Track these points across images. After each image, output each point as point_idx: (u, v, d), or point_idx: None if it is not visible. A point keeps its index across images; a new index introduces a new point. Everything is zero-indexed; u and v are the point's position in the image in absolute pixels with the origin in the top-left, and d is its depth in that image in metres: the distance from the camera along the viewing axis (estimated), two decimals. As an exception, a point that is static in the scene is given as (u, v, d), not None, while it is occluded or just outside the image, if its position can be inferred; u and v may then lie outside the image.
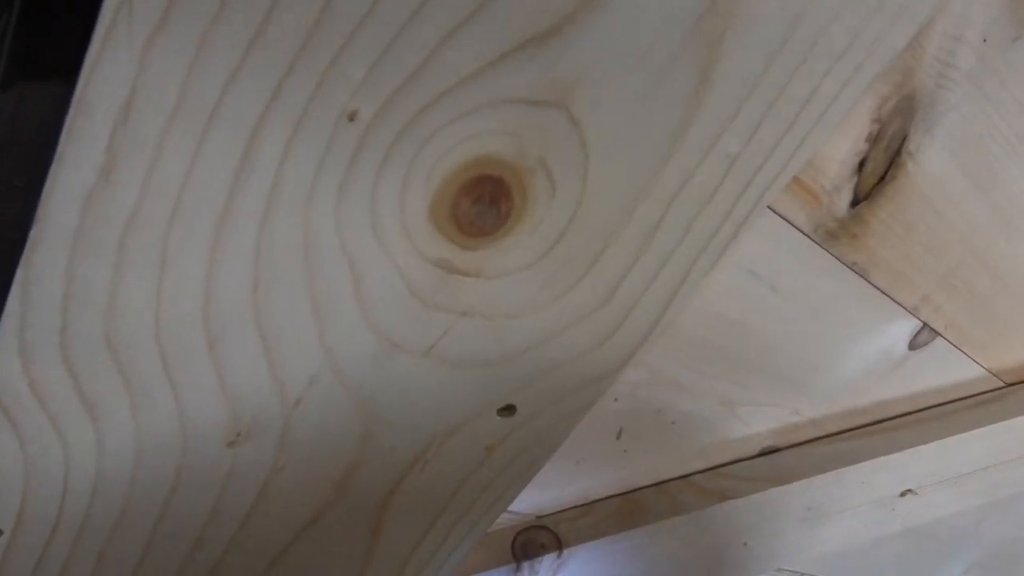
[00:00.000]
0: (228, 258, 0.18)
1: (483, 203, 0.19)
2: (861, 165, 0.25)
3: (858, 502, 0.37)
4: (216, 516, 0.23)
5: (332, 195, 0.17)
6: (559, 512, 0.33)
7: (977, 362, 0.36)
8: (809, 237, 0.27)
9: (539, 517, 0.33)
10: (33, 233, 0.16)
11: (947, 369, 0.36)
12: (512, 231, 0.20)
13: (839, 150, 0.24)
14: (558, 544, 0.32)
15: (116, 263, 0.17)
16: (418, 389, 0.22)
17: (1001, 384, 0.39)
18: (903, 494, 0.38)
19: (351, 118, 0.16)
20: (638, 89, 0.18)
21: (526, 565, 0.31)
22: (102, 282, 0.17)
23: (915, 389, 0.36)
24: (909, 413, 0.37)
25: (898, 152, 0.25)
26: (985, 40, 0.23)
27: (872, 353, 0.33)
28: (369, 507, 0.25)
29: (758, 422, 0.34)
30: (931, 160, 0.26)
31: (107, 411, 0.19)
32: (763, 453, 0.36)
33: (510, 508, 0.31)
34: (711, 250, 0.22)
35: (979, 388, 0.38)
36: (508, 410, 0.24)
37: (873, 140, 0.24)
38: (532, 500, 0.33)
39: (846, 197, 0.26)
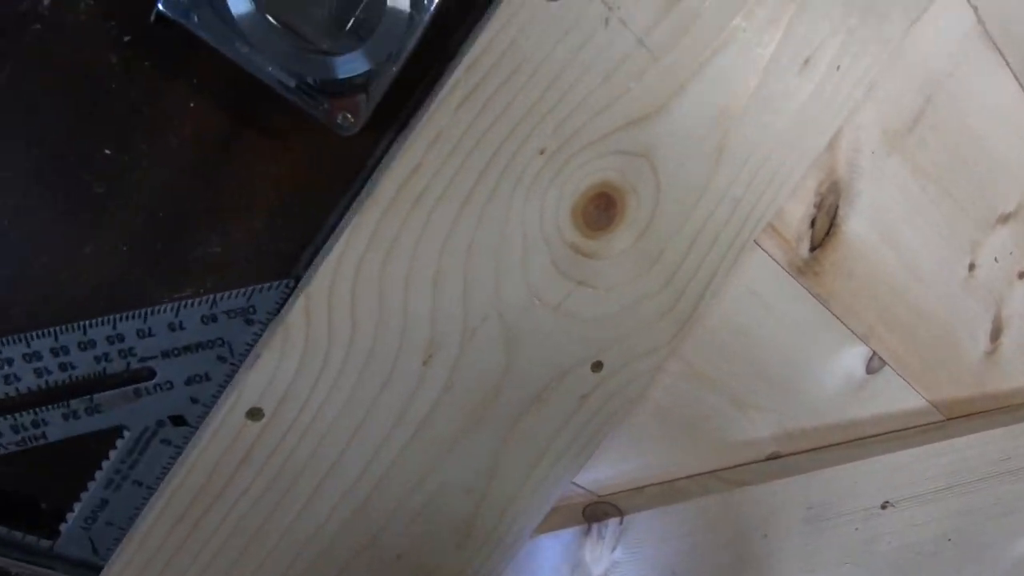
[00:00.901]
0: (462, 229, 0.30)
1: (601, 209, 0.32)
2: (813, 223, 0.40)
3: (849, 508, 0.46)
4: (401, 421, 0.33)
5: (523, 194, 0.31)
6: (615, 493, 0.42)
7: (919, 392, 0.48)
8: (786, 270, 0.40)
9: (600, 496, 0.42)
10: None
11: (898, 396, 0.48)
12: (615, 229, 0.33)
13: (798, 211, 0.39)
14: (619, 513, 0.40)
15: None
16: (546, 335, 0.34)
17: (942, 417, 0.50)
18: (884, 506, 0.47)
19: (541, 152, 0.31)
20: (687, 152, 0.33)
21: (595, 527, 0.39)
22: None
23: (877, 411, 0.47)
24: (879, 434, 0.48)
25: (834, 216, 0.40)
26: (873, 152, 0.40)
27: (840, 371, 0.45)
28: (500, 433, 0.35)
29: (764, 426, 0.44)
30: (855, 224, 0.41)
31: (362, 325, 0.31)
32: (770, 458, 0.46)
33: (577, 482, 0.40)
34: (726, 261, 0.36)
35: (926, 419, 0.50)
36: (598, 366, 0.36)
37: (818, 206, 0.40)
38: (592, 479, 0.41)
39: (806, 244, 0.40)
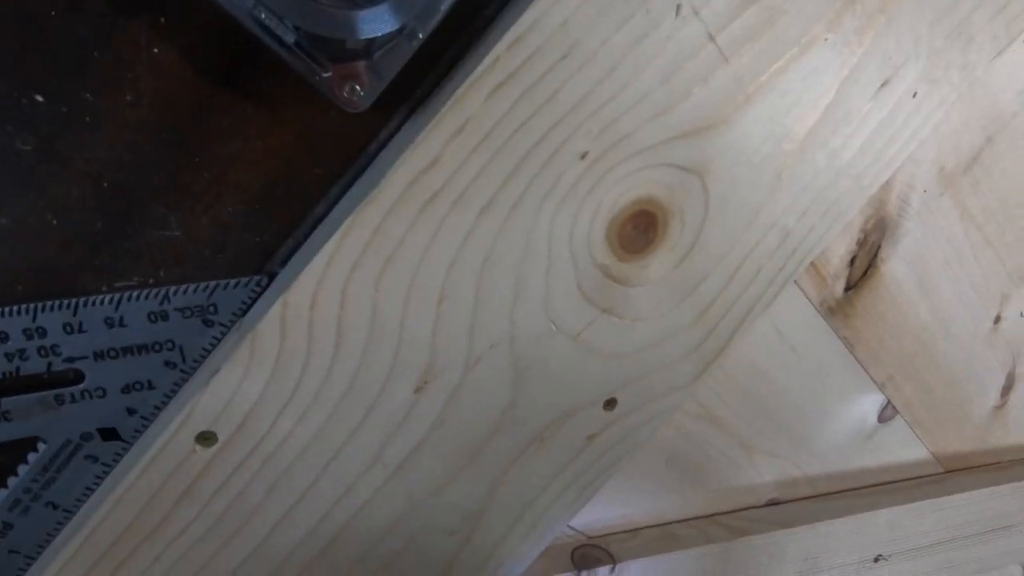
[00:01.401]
0: (479, 239, 0.25)
1: (639, 230, 0.28)
2: (852, 261, 0.36)
3: (843, 560, 0.44)
4: (379, 460, 0.28)
5: (555, 204, 0.26)
6: (609, 535, 0.38)
7: (924, 444, 0.46)
8: (817, 309, 0.37)
9: (591, 538, 0.38)
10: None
11: (904, 446, 0.45)
12: (652, 253, 0.29)
13: (839, 248, 0.36)
14: (612, 560, 0.36)
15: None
16: (559, 368, 0.29)
17: (941, 470, 0.48)
18: (876, 559, 0.45)
19: (582, 156, 0.26)
20: (742, 175, 0.29)
21: (585, 574, 0.35)
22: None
23: (883, 461, 0.45)
24: (879, 484, 0.46)
25: (875, 256, 0.37)
26: (925, 191, 0.36)
27: (851, 420, 0.42)
28: (492, 475, 0.30)
29: (768, 472, 0.41)
30: (895, 267, 0.38)
31: (348, 342, 0.25)
32: (769, 504, 0.42)
33: (569, 524, 0.36)
34: (765, 297, 0.32)
35: (925, 471, 0.47)
36: (611, 404, 0.31)
37: (860, 245, 0.36)
38: (584, 521, 0.37)
39: (842, 283, 0.37)
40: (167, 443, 0.25)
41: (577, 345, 0.29)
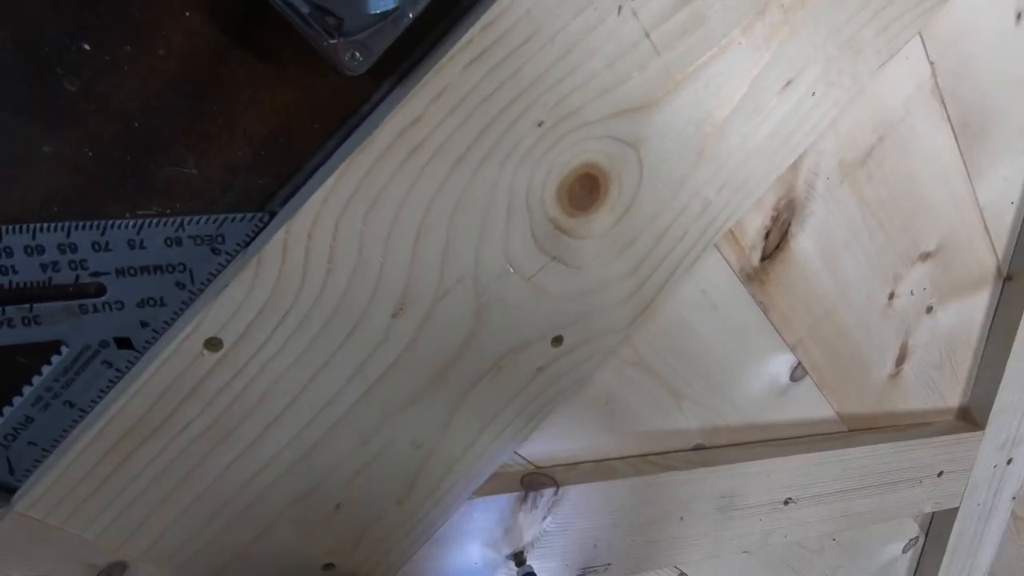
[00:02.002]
0: (451, 187, 0.31)
1: (585, 190, 0.34)
2: (767, 235, 0.43)
3: (757, 501, 0.50)
4: (359, 373, 0.33)
5: (515, 162, 0.31)
6: (554, 465, 0.44)
7: (831, 404, 0.53)
8: (736, 275, 0.43)
9: (538, 467, 0.43)
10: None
11: (813, 405, 0.52)
12: (595, 212, 0.34)
13: (755, 222, 0.42)
14: (555, 484, 0.42)
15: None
16: (515, 305, 0.35)
17: (845, 429, 0.55)
18: (786, 502, 0.52)
19: (539, 124, 0.31)
20: (670, 150, 0.35)
21: (531, 495, 0.41)
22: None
23: (794, 417, 0.52)
24: (792, 438, 0.52)
25: (786, 232, 0.43)
26: (828, 178, 0.43)
27: (767, 376, 0.49)
28: (455, 395, 0.35)
29: (694, 418, 0.47)
30: (803, 242, 0.44)
31: (338, 268, 0.30)
32: (695, 448, 0.49)
33: (518, 452, 0.42)
34: (689, 257, 0.38)
35: (831, 429, 0.55)
36: (558, 340, 0.37)
37: (773, 220, 0.43)
38: (532, 452, 0.43)
39: (758, 254, 0.43)
40: (180, 346, 0.29)
41: (530, 286, 0.35)
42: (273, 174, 0.32)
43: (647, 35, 0.31)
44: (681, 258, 0.38)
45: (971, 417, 0.61)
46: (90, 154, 0.29)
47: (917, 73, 0.42)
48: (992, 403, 0.58)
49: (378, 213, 0.30)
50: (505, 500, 0.40)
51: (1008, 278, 0.55)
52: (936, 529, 0.66)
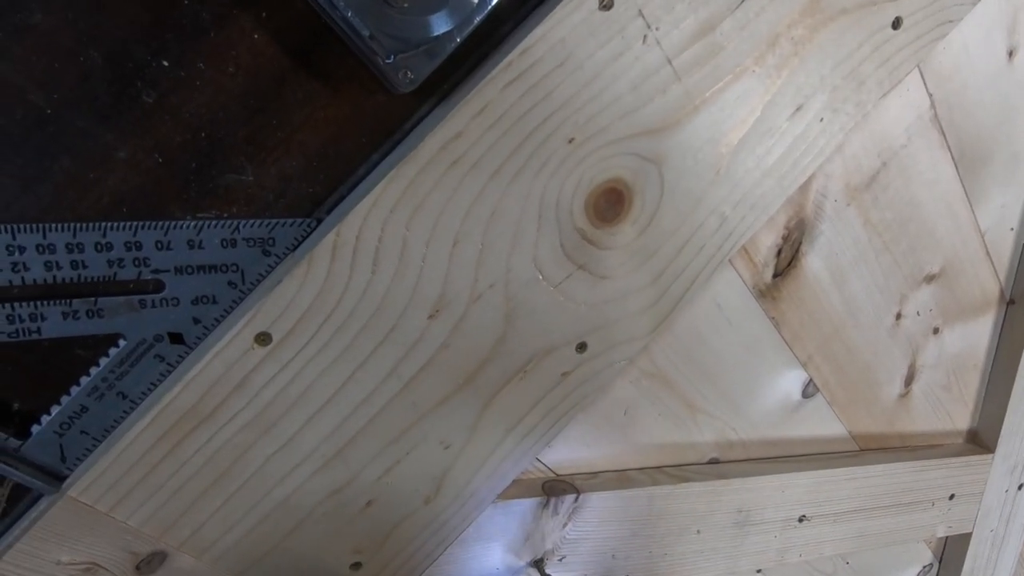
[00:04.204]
0: (487, 198, 0.33)
1: (610, 203, 0.36)
2: (779, 252, 0.45)
3: (771, 516, 0.51)
4: (395, 372, 0.34)
5: (547, 175, 0.34)
6: (574, 474, 0.45)
7: (842, 422, 0.54)
8: (750, 291, 0.45)
9: (559, 475, 0.44)
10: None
11: (824, 423, 0.53)
12: (620, 224, 0.37)
13: (767, 240, 0.44)
14: (576, 491, 0.43)
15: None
16: (543, 310, 0.36)
17: (857, 448, 0.56)
18: (801, 519, 0.52)
19: (570, 141, 0.34)
20: (689, 168, 0.37)
21: (553, 501, 0.42)
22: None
23: (807, 434, 0.53)
24: (804, 455, 0.53)
25: (797, 251, 0.46)
26: (836, 200, 0.46)
27: (779, 392, 0.50)
28: (483, 397, 0.37)
29: (708, 431, 0.49)
30: (813, 261, 0.47)
31: (382, 269, 0.32)
32: (710, 462, 0.50)
33: (540, 459, 0.43)
34: (706, 270, 0.40)
35: (843, 447, 0.56)
36: (582, 347, 0.39)
37: (784, 239, 0.45)
38: (553, 460, 0.44)
39: (770, 271, 0.45)
40: (232, 339, 0.31)
41: (558, 292, 0.37)
42: (322, 183, 0.34)
43: (669, 62, 0.34)
44: (699, 271, 0.40)
45: (980, 440, 0.62)
46: (160, 160, 0.31)
47: (917, 104, 0.45)
48: (1000, 426, 0.59)
49: (420, 219, 0.32)
50: (527, 505, 0.41)
51: (1011, 302, 0.57)
52: (949, 556, 0.66)
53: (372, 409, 0.35)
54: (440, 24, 0.27)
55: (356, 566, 0.38)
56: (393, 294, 0.33)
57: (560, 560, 0.43)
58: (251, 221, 0.33)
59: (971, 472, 0.60)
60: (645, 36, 0.33)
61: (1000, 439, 0.60)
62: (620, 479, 0.45)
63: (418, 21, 0.28)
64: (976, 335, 0.58)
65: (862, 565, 0.62)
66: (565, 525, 0.42)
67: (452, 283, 0.34)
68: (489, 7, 0.30)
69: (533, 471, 0.43)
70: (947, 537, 0.66)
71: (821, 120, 0.40)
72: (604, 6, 0.32)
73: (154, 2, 0.29)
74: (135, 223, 0.31)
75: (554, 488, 0.42)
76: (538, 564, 0.42)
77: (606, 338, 0.39)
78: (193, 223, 0.32)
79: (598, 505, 0.43)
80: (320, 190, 0.34)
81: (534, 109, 0.32)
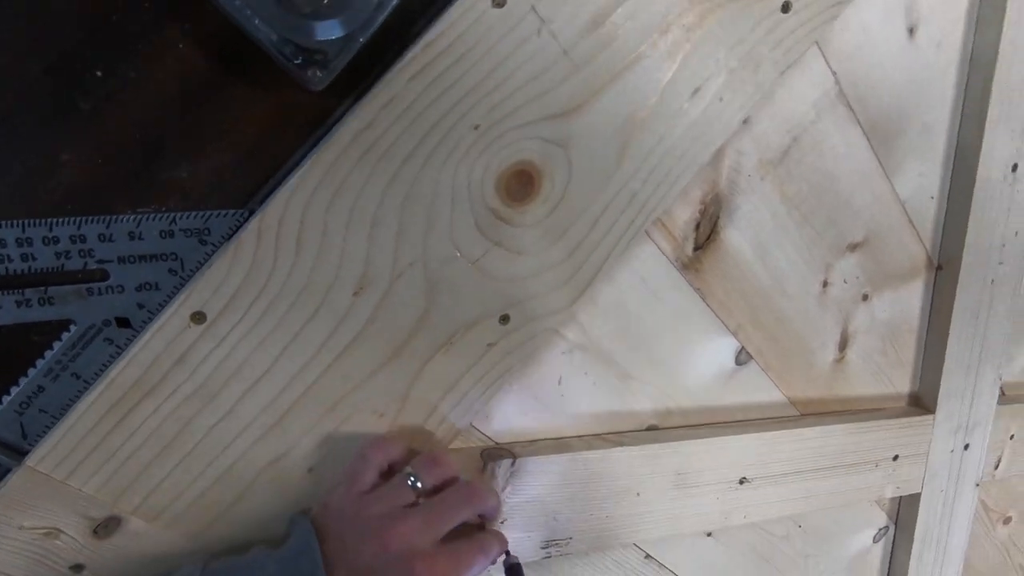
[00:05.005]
0: (400, 182, 0.36)
1: (521, 184, 0.39)
2: (697, 226, 0.48)
3: (711, 479, 0.53)
4: (325, 345, 0.38)
5: (456, 160, 0.37)
6: (512, 442, 0.48)
7: (779, 388, 0.57)
8: (672, 263, 0.48)
9: (497, 443, 0.47)
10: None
11: (761, 389, 0.56)
12: (531, 203, 0.40)
13: (685, 214, 0.47)
14: (512, 456, 0.46)
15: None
16: (463, 285, 0.40)
17: (796, 413, 0.59)
18: (741, 481, 0.55)
19: (475, 127, 0.37)
20: (595, 149, 0.40)
21: (490, 465, 0.45)
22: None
23: (744, 400, 0.56)
24: (742, 420, 0.56)
25: (715, 224, 0.49)
26: (749, 176, 0.48)
27: (713, 360, 0.53)
28: (412, 368, 0.40)
29: (645, 400, 0.52)
30: (732, 234, 0.49)
31: (304, 252, 0.35)
32: (649, 428, 0.53)
33: (478, 429, 0.46)
34: (620, 244, 0.43)
35: (782, 412, 0.58)
36: (505, 319, 0.42)
37: (702, 214, 0.48)
38: (493, 431, 0.47)
39: (690, 244, 0.48)
40: (170, 318, 0.34)
41: (476, 269, 0.40)
42: (254, 177, 0.37)
43: (566, 53, 0.37)
44: (613, 244, 0.43)
45: (922, 402, 0.64)
46: (99, 161, 0.34)
47: (821, 82, 0.48)
48: (938, 388, 0.62)
49: (338, 204, 0.36)
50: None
51: (939, 268, 0.60)
52: (904, 518, 0.69)
53: (306, 381, 0.38)
54: (337, 28, 0.31)
55: (305, 530, 0.41)
56: (318, 273, 0.36)
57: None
58: (188, 213, 0.36)
59: (913, 433, 0.63)
60: (539, 30, 0.36)
61: (939, 401, 0.62)
62: (557, 445, 0.48)
63: (320, 25, 0.31)
64: (907, 301, 0.60)
65: (815, 528, 0.64)
66: (504, 489, 0.45)
67: (373, 262, 0.37)
68: (390, 8, 0.33)
69: (474, 441, 0.46)
70: (900, 499, 0.68)
71: (721, 100, 0.42)
72: (497, 4, 0.35)
73: (87, 20, 0.32)
74: (79, 218, 0.34)
75: (492, 454, 0.45)
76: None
77: (527, 310, 0.42)
78: (133, 216, 0.35)
79: (535, 469, 0.46)
80: (250, 184, 0.37)
81: (439, 99, 0.36)
